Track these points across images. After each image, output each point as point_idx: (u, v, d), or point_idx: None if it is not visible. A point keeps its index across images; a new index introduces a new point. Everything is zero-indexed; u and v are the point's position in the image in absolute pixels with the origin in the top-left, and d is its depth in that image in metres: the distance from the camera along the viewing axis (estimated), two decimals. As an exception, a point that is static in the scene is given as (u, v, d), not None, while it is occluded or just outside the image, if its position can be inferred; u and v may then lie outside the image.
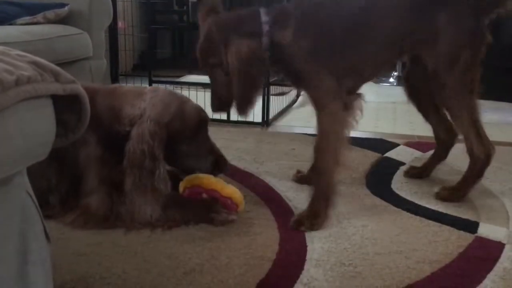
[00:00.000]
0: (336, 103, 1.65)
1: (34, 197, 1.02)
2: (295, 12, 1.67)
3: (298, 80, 1.74)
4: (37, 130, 0.90)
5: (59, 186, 1.68)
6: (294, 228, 1.62)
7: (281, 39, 1.64)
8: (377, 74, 1.93)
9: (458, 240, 1.57)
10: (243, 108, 1.66)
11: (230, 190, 1.67)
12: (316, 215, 1.64)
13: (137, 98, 1.68)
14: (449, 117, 1.93)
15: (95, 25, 2.88)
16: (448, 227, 1.66)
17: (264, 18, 1.64)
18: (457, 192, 1.88)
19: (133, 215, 1.62)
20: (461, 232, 1.63)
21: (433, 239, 1.58)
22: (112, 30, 3.21)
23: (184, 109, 1.69)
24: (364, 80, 1.81)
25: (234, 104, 1.67)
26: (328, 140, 1.66)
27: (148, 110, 1.63)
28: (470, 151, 1.81)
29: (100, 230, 1.58)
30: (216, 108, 1.74)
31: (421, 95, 2.01)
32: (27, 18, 2.58)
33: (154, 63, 5.00)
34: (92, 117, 1.58)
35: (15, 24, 2.54)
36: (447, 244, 1.55)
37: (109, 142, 1.65)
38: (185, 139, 1.68)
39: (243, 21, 1.66)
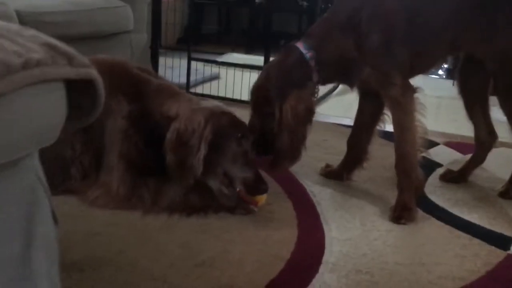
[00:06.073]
0: (409, 98, 1.68)
1: (44, 180, 1.01)
2: (354, 14, 1.66)
3: (364, 81, 1.72)
4: (46, 114, 0.87)
5: (82, 156, 1.67)
6: (395, 223, 1.64)
7: (344, 51, 1.66)
8: (430, 68, 1.93)
9: (488, 257, 1.48)
10: (288, 163, 1.72)
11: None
12: (408, 207, 1.67)
13: (189, 101, 1.68)
14: (491, 118, 1.98)
15: (138, -2, 2.85)
16: (478, 241, 1.56)
17: (306, 53, 1.65)
18: None
19: (155, 198, 1.60)
20: (492, 247, 1.53)
21: (460, 252, 1.49)
22: (156, 2, 3.16)
23: (234, 115, 1.67)
24: (416, 73, 1.82)
25: (278, 157, 1.69)
26: (409, 136, 1.68)
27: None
28: None
29: (119, 211, 1.57)
30: (259, 151, 1.71)
31: (471, 91, 1.97)
32: (70, -12, 2.58)
33: (197, 38, 4.99)
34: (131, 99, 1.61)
35: (58, -7, 2.54)
36: (475, 260, 1.46)
37: (146, 132, 1.65)
38: (232, 138, 1.60)
39: (291, 70, 1.66)
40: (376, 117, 1.89)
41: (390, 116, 1.75)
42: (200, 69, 3.49)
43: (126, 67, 1.73)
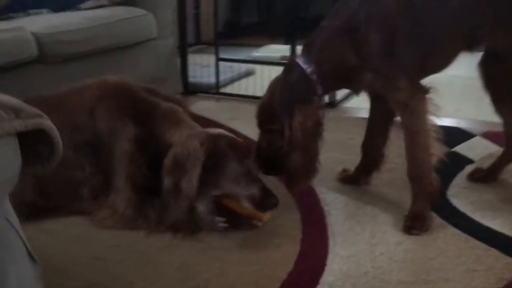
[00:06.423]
0: (420, 100, 1.58)
1: (16, 222, 1.04)
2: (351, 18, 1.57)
3: (369, 86, 1.65)
4: (-3, 168, 0.89)
5: (92, 177, 1.72)
6: (407, 233, 1.57)
7: (344, 59, 1.57)
8: (445, 66, 1.74)
9: (503, 270, 1.37)
10: (304, 181, 1.66)
11: (252, 211, 1.58)
12: (421, 216, 1.60)
13: (191, 128, 1.69)
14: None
15: (162, 4, 2.86)
16: (496, 252, 1.45)
17: (306, 68, 1.58)
18: None
19: (161, 218, 1.62)
20: (510, 259, 1.41)
21: (473, 267, 1.39)
22: (181, 5, 3.15)
23: (232, 136, 1.66)
24: (429, 74, 1.69)
25: (293, 176, 1.64)
26: (421, 140, 1.59)
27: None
28: None
29: (124, 231, 1.60)
30: (264, 171, 1.68)
31: (497, 86, 1.81)
32: (91, 2, 2.63)
33: (236, 32, 4.97)
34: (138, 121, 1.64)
35: (80, 9, 2.60)
36: (489, 274, 1.36)
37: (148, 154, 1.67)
38: (230, 158, 1.59)
39: (295, 87, 1.60)
40: (390, 117, 1.80)
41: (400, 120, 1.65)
42: (233, 65, 3.45)
43: (133, 89, 1.76)
